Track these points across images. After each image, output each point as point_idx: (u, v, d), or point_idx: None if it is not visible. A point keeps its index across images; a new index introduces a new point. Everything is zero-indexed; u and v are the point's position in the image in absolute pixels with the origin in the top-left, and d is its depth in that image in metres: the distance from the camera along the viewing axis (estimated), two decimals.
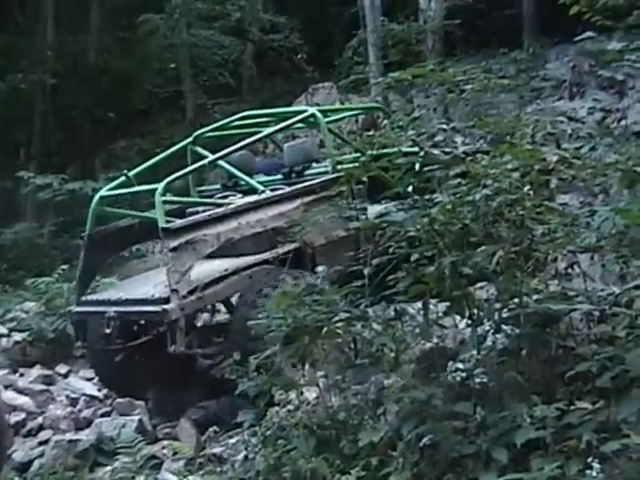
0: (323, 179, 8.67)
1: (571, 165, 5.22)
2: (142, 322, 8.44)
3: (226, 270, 7.94)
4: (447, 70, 6.37)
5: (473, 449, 4.34)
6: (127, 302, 8.10)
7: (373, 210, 7.53)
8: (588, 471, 3.75)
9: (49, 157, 18.97)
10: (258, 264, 8.07)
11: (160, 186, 7.92)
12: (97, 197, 8.66)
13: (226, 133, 10.36)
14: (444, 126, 5.57)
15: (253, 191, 8.96)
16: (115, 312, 8.00)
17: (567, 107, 14.29)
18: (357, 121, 15.17)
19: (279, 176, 9.73)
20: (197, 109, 20.61)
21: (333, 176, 8.40)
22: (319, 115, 9.37)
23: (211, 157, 8.90)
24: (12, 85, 18.75)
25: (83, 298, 8.63)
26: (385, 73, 10.95)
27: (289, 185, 9.06)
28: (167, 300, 7.50)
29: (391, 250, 5.23)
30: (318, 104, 16.22)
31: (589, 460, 3.78)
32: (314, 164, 9.57)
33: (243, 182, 9.36)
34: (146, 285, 8.34)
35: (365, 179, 7.35)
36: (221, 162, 9.26)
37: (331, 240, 8.33)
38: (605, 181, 5.29)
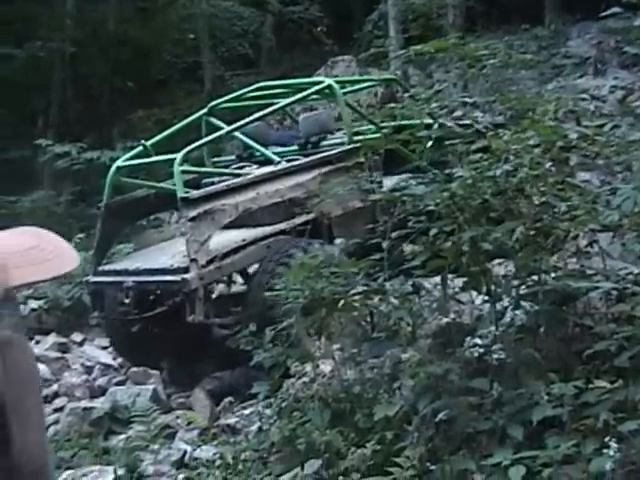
0: (340, 150, 8.67)
1: (593, 142, 5.18)
2: (158, 292, 8.44)
3: (244, 240, 7.94)
4: (468, 45, 6.32)
5: (488, 425, 4.34)
6: (145, 272, 8.09)
7: (388, 183, 7.62)
8: (605, 450, 3.74)
9: (67, 125, 18.93)
10: (275, 234, 8.07)
11: (179, 156, 7.93)
12: (114, 167, 8.66)
13: (241, 104, 10.31)
14: (466, 99, 5.52)
15: (269, 162, 8.94)
16: (133, 282, 8.01)
17: (589, 85, 14.18)
18: (376, 95, 15.07)
19: (295, 147, 9.75)
20: (215, 80, 20.53)
21: (350, 147, 8.49)
22: (335, 86, 9.31)
23: (227, 128, 8.86)
24: (31, 53, 18.69)
25: (100, 268, 8.62)
26: (405, 47, 10.87)
27: (305, 156, 9.04)
28: (186, 270, 7.50)
29: (410, 224, 5.20)
30: (337, 77, 16.12)
31: (606, 439, 3.77)
32: (330, 135, 9.58)
33: (258, 153, 9.34)
34: (163, 255, 8.35)
35: (382, 151, 7.29)
36: (236, 133, 9.24)
37: (348, 211, 8.33)
38: (627, 159, 5.23)
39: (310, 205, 8.09)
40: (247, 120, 8.87)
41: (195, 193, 7.87)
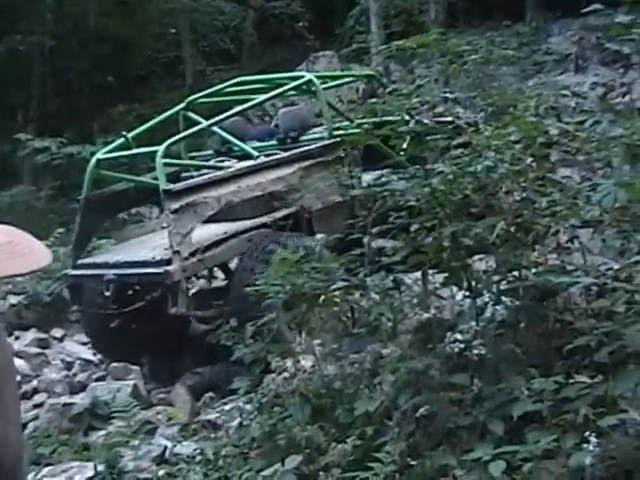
0: (320, 144, 8.75)
1: (574, 138, 5.19)
2: (137, 287, 8.42)
3: (225, 233, 7.98)
4: (450, 41, 6.32)
5: (469, 420, 4.34)
6: (126, 264, 8.06)
7: (367, 178, 7.77)
8: (584, 445, 3.74)
9: (47, 120, 18.85)
10: (257, 228, 8.12)
11: (161, 148, 7.94)
12: (94, 160, 8.62)
13: (219, 100, 10.31)
14: (447, 95, 5.53)
15: (247, 157, 8.95)
16: (114, 274, 7.99)
17: (569, 81, 14.23)
18: (357, 90, 15.07)
19: (274, 142, 9.78)
20: (197, 75, 20.49)
21: (330, 141, 8.58)
22: (316, 81, 9.36)
23: (206, 122, 8.85)
24: (10, 46, 18.60)
25: (79, 261, 8.59)
26: (387, 43, 10.88)
27: (284, 151, 9.09)
28: (169, 262, 7.50)
29: (391, 219, 5.21)
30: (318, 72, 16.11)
31: (585, 434, 3.77)
32: (309, 130, 9.66)
33: (237, 148, 9.33)
34: (144, 248, 8.35)
35: (360, 147, 7.49)
36: (215, 128, 9.24)
37: (328, 205, 8.43)
38: (608, 155, 5.25)
39: (291, 199, 8.16)
40: (226, 114, 8.88)
41: (178, 185, 7.87)
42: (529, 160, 4.87)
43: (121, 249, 8.90)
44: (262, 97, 9.45)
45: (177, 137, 8.59)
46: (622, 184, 4.39)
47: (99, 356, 9.18)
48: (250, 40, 23.34)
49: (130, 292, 8.50)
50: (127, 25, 20.80)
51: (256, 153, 8.89)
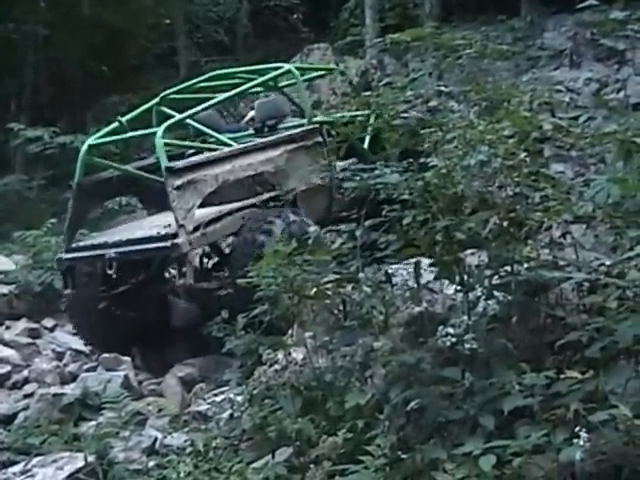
0: (302, 129, 9.24)
1: (568, 134, 5.19)
2: (122, 270, 8.46)
3: (221, 212, 8.27)
4: (444, 35, 6.32)
5: (460, 415, 4.35)
6: (129, 242, 8.20)
7: (339, 164, 8.45)
8: (575, 440, 3.74)
9: (40, 109, 18.79)
10: (247, 207, 8.46)
11: (160, 129, 8.17)
12: (85, 145, 8.66)
13: (192, 96, 10.39)
14: (442, 89, 5.53)
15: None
16: (116, 253, 8.11)
17: (564, 77, 14.23)
18: (351, 83, 15.07)
19: (250, 131, 10.23)
20: (190, 66, 20.43)
21: (310, 127, 9.22)
22: (295, 71, 9.75)
23: (179, 116, 8.92)
24: (3, 35, 18.54)
25: (73, 245, 8.64)
26: (381, 36, 10.91)
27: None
28: (175, 235, 7.72)
29: (384, 212, 5.21)
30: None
31: (576, 429, 3.77)
32: (286, 120, 10.07)
33: (212, 139, 9.46)
34: (139, 229, 8.55)
35: (334, 133, 8.00)
36: (189, 121, 9.37)
37: (310, 187, 8.86)
38: (601, 151, 5.26)
39: (277, 180, 8.67)
40: (200, 107, 8.98)
41: (179, 163, 8.13)
42: (523, 155, 4.87)
43: (115, 232, 8.96)
44: (239, 89, 9.62)
45: (172, 120, 8.77)
46: (615, 180, 4.41)
47: (90, 347, 9.18)
48: (244, 32, 23.30)
49: (114, 276, 8.55)
50: (121, 15, 20.72)
51: (234, 143, 9.09)
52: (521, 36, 17.33)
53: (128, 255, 8.18)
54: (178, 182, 7.78)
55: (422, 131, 5.29)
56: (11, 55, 19.07)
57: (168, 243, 7.74)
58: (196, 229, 7.86)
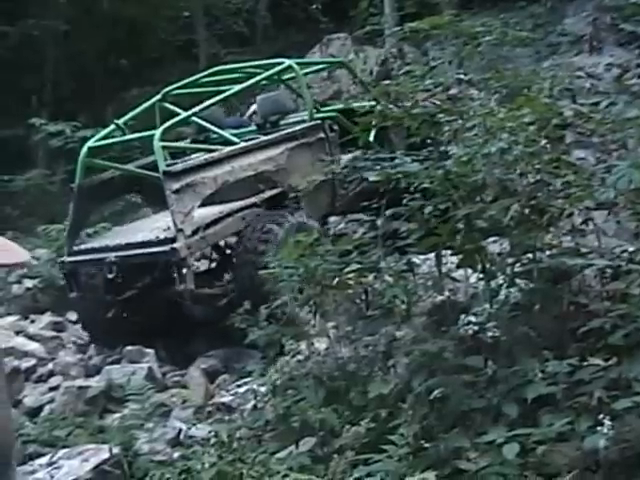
0: (303, 126, 9.15)
1: (589, 120, 5.16)
2: (127, 273, 8.52)
3: (221, 212, 8.23)
4: (463, 22, 6.29)
5: (483, 403, 4.34)
6: (128, 246, 8.19)
7: (344, 158, 8.56)
8: (598, 428, 3.74)
9: (61, 104, 18.83)
10: (248, 207, 8.43)
11: (158, 132, 8.11)
12: (85, 148, 8.70)
13: (195, 90, 10.41)
14: (462, 76, 5.50)
15: (227, 144, 9.01)
16: (116, 257, 8.10)
17: (584, 63, 14.13)
18: (371, 73, 15.04)
19: (252, 128, 10.14)
20: (210, 58, 20.40)
21: (312, 124, 9.13)
22: (296, 66, 9.63)
23: (179, 117, 8.93)
24: (24, 31, 18.57)
25: (75, 248, 8.67)
26: (400, 25, 10.85)
27: (265, 135, 9.30)
28: (173, 240, 7.68)
29: (405, 201, 5.20)
30: (333, 55, 16.12)
31: (599, 417, 3.77)
32: (288, 115, 9.95)
33: (215, 136, 9.45)
34: (140, 231, 8.53)
35: (337, 129, 8.79)
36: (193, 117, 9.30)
37: (312, 185, 8.56)
38: (623, 137, 5.22)
39: (278, 179, 8.59)
40: (209, 103, 9.01)
41: (177, 166, 8.07)
42: (543, 142, 4.85)
43: (117, 234, 8.97)
44: (243, 84, 9.53)
45: (172, 121, 8.72)
46: (637, 166, 4.38)
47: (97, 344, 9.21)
48: (263, 23, 23.24)
49: (121, 279, 8.61)
50: (140, 8, 20.73)
51: (237, 140, 9.02)
52: (541, 22, 17.20)
53: (128, 259, 8.15)
54: (176, 185, 7.72)
55: (442, 119, 5.27)
56: (32, 51, 19.12)
57: (167, 248, 7.69)
58: (195, 232, 7.81)
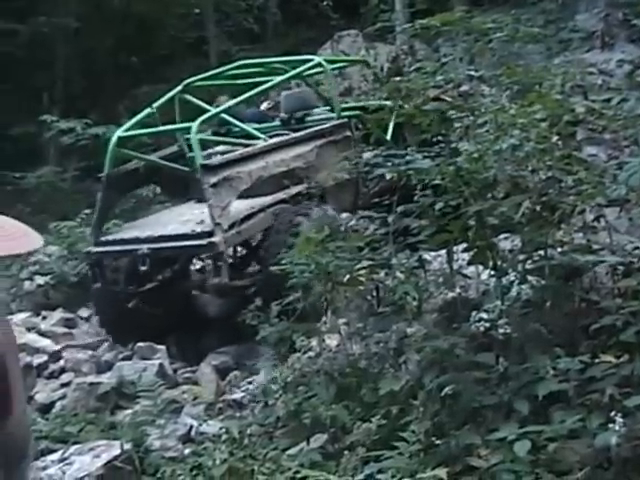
0: (331, 124, 9.23)
1: (600, 116, 5.15)
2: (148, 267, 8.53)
3: (253, 208, 8.25)
4: (475, 19, 6.28)
5: (494, 400, 4.34)
6: (162, 239, 8.18)
7: (365, 156, 8.15)
8: (610, 425, 3.74)
9: (72, 101, 18.87)
10: (278, 203, 8.45)
11: (195, 124, 8.16)
12: (114, 137, 8.71)
13: (216, 83, 10.43)
14: (473, 73, 5.50)
15: (251, 138, 9.12)
16: (149, 249, 8.08)
17: (596, 59, 14.08)
18: (382, 69, 15.01)
19: (276, 122, 10.16)
20: (221, 55, 20.41)
21: (339, 122, 9.20)
22: (325, 63, 9.66)
23: (214, 110, 9.00)
24: (34, 28, 18.59)
25: (102, 238, 8.67)
26: (411, 21, 10.85)
27: (293, 131, 9.39)
28: (211, 234, 7.73)
29: (416, 198, 5.20)
30: (344, 52, 16.12)
31: (611, 414, 3.76)
32: (312, 112, 10.00)
33: (237, 129, 9.47)
34: (169, 224, 8.50)
35: (360, 126, 8.79)
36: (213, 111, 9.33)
37: (338, 182, 8.74)
38: (635, 133, 5.21)
39: (307, 175, 8.66)
40: (241, 98, 9.04)
41: (214, 160, 8.17)
42: (555, 138, 4.84)
43: (144, 225, 8.94)
44: (276, 79, 9.56)
45: (208, 114, 8.78)
46: None
47: (114, 340, 9.22)
48: (274, 19, 23.24)
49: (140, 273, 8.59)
50: (151, 5, 20.75)
51: (261, 135, 9.07)
52: (552, 18, 17.14)
53: (162, 252, 8.18)
54: (214, 179, 7.77)
55: (453, 116, 5.26)
56: (43, 48, 19.15)
57: (204, 241, 7.74)
58: (231, 227, 7.86)
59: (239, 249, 9.51)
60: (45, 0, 19.31)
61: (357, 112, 9.27)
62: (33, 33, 18.53)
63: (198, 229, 7.96)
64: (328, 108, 9.80)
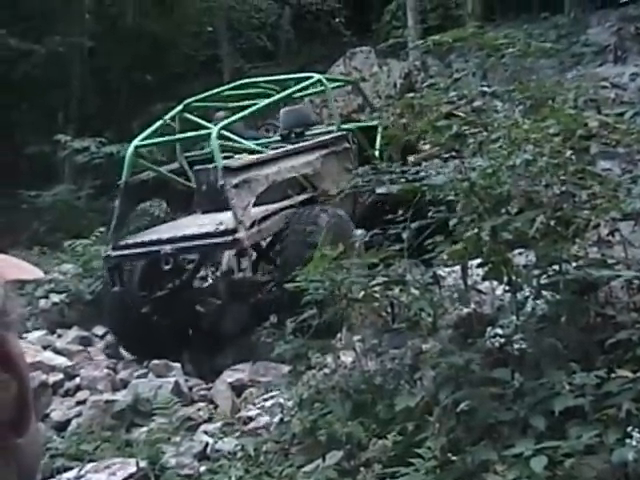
0: (332, 135, 9.67)
1: (614, 130, 5.14)
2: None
3: (267, 210, 8.58)
4: (487, 34, 6.29)
5: (510, 416, 4.32)
6: (185, 238, 8.35)
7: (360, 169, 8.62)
8: (627, 440, 3.71)
9: (87, 120, 19.00)
10: (287, 208, 8.82)
11: (215, 129, 8.49)
12: (132, 147, 8.89)
13: (214, 105, 10.68)
14: (485, 88, 5.50)
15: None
16: (173, 248, 8.25)
17: (609, 73, 14.08)
18: (395, 85, 15.05)
19: (277, 138, 10.50)
20: (234, 73, 20.51)
21: (339, 134, 9.68)
22: (325, 81, 10.16)
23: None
24: (50, 48, 18.74)
25: (122, 242, 8.76)
26: (423, 37, 10.90)
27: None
28: (234, 231, 7.99)
29: (430, 214, 5.21)
30: (356, 68, 16.17)
31: (628, 429, 3.74)
32: (311, 128, 10.38)
33: (237, 146, 9.59)
34: (188, 227, 8.67)
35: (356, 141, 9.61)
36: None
37: (342, 191, 8.86)
38: None
39: (314, 182, 9.18)
40: (238, 116, 9.30)
41: (235, 163, 8.46)
42: (569, 153, 4.83)
43: (159, 230, 9.03)
44: (275, 97, 9.99)
45: (228, 120, 9.07)
46: None
47: (127, 352, 9.32)
48: (287, 37, 23.38)
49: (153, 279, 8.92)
50: (164, 24, 20.91)
51: (263, 149, 9.43)
52: (565, 33, 17.18)
53: (187, 251, 8.51)
54: (235, 180, 8.08)
55: (467, 131, 5.27)
56: (58, 68, 19.30)
57: (229, 238, 7.99)
58: (252, 225, 8.17)
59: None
60: (60, 20, 19.47)
61: (353, 128, 9.83)
62: (48, 53, 18.68)
63: (221, 227, 8.20)
64: (326, 124, 10.27)
